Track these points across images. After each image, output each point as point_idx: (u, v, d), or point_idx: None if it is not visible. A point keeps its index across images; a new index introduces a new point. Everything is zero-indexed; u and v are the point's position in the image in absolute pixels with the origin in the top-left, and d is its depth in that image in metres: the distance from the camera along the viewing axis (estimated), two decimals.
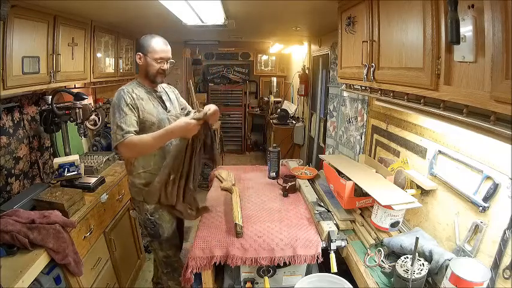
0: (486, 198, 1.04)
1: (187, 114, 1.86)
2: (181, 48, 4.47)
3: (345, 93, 2.45)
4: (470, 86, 0.79)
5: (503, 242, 0.96)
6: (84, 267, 1.61)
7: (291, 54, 5.41)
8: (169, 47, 1.67)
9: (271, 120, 4.83)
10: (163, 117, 1.67)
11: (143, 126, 1.59)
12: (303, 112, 4.47)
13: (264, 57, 6.00)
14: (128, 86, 1.63)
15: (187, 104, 1.96)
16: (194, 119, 1.49)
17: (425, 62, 0.96)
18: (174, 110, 1.78)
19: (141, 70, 1.68)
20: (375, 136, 1.96)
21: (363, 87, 1.52)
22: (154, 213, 1.70)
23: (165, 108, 1.72)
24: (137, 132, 1.52)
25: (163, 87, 1.80)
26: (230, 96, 6.01)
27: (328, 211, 1.62)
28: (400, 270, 1.07)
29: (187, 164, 1.61)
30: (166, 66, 1.66)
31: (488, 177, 1.05)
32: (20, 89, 1.61)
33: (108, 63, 2.71)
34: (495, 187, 1.01)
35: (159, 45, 1.61)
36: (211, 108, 1.56)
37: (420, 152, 1.45)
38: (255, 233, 1.48)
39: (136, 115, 1.56)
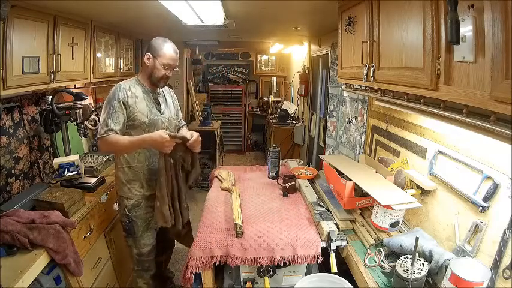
0: (486, 198, 1.04)
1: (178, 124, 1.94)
2: (181, 48, 4.47)
3: (345, 93, 2.45)
4: (470, 86, 0.79)
5: (503, 242, 0.96)
6: (84, 267, 1.61)
7: (291, 54, 5.41)
8: (178, 56, 1.71)
9: (271, 120, 4.83)
10: (155, 118, 1.69)
11: (133, 124, 1.64)
12: (303, 112, 4.47)
13: (264, 57, 6.00)
14: (127, 82, 1.67)
15: (181, 115, 1.98)
16: (170, 135, 1.55)
17: (425, 62, 0.95)
18: (168, 113, 1.80)
19: (145, 70, 1.70)
20: (375, 136, 1.96)
21: (363, 87, 1.52)
22: (132, 210, 1.74)
23: (159, 110, 1.74)
24: (121, 131, 1.59)
25: (162, 90, 1.83)
26: (230, 96, 6.01)
27: (328, 211, 1.62)
28: (400, 270, 1.07)
29: (174, 184, 1.69)
30: (171, 73, 1.70)
31: (488, 177, 1.05)
32: (20, 89, 1.61)
33: (108, 63, 2.71)
34: (495, 187, 1.01)
35: (170, 52, 1.66)
36: (193, 135, 1.66)
37: (420, 152, 1.45)
38: (255, 233, 1.48)
39: (125, 113, 1.60)
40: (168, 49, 1.65)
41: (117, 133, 1.56)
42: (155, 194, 1.70)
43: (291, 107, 4.95)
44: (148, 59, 1.67)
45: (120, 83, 1.66)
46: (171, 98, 1.90)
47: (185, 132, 1.83)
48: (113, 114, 1.56)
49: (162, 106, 1.77)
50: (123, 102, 1.59)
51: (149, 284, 1.92)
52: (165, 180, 1.64)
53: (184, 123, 2.02)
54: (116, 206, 1.86)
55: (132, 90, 1.64)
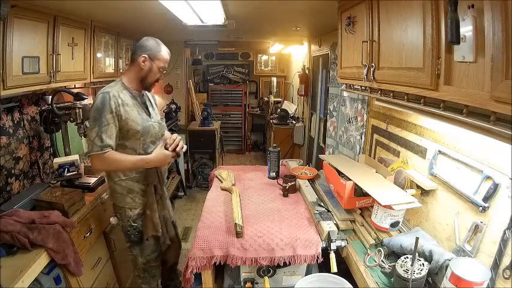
0: (486, 198, 1.04)
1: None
2: (181, 48, 4.47)
3: (345, 93, 2.45)
4: (470, 86, 0.79)
5: (503, 242, 0.96)
6: (84, 267, 1.61)
7: (291, 54, 5.41)
8: None
9: (271, 120, 4.83)
10: (147, 124, 1.60)
11: (126, 134, 1.54)
12: (303, 112, 4.47)
13: (264, 57, 6.00)
14: (113, 88, 1.52)
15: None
16: (172, 155, 1.62)
17: (425, 62, 0.96)
18: (156, 116, 1.74)
19: (136, 73, 1.58)
20: (375, 136, 1.96)
21: (363, 87, 1.52)
22: (137, 220, 1.66)
23: (149, 115, 1.66)
24: (115, 145, 1.50)
25: (145, 92, 1.72)
26: (230, 96, 6.01)
27: (328, 211, 1.62)
28: (400, 270, 1.07)
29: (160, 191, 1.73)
30: (162, 76, 1.65)
31: (488, 177, 1.05)
32: (20, 89, 1.61)
33: (108, 63, 2.71)
34: (495, 187, 1.01)
35: (166, 55, 1.60)
36: (175, 138, 1.66)
37: (420, 152, 1.45)
38: (255, 233, 1.48)
39: (118, 125, 1.49)
40: (165, 52, 1.60)
41: (113, 148, 1.47)
42: (157, 199, 1.68)
43: (291, 107, 4.94)
44: (144, 61, 1.54)
45: (107, 89, 1.50)
46: (153, 98, 1.81)
47: (167, 135, 1.81)
48: (106, 127, 1.44)
49: (150, 110, 1.69)
50: (115, 113, 1.46)
51: None
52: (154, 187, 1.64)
53: (163, 123, 1.89)
54: (114, 220, 1.72)
55: (121, 97, 1.51)
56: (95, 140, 1.43)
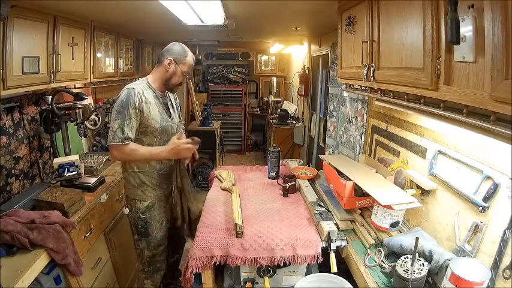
0: (486, 198, 1.04)
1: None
2: None
3: (345, 93, 2.45)
4: (470, 86, 0.79)
5: (503, 242, 0.96)
6: (84, 267, 1.61)
7: (291, 54, 5.42)
8: None
9: (271, 120, 4.83)
10: (167, 124, 1.69)
11: (145, 130, 1.63)
12: (303, 112, 4.47)
13: (264, 57, 6.01)
14: (138, 85, 1.61)
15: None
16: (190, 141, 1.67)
17: (425, 62, 0.96)
18: (176, 118, 1.83)
19: (161, 74, 1.67)
20: (375, 136, 1.96)
21: (363, 87, 1.52)
22: (146, 212, 1.74)
23: (169, 115, 1.75)
24: (133, 140, 1.59)
25: (168, 94, 1.81)
26: (230, 96, 6.01)
27: (328, 211, 1.62)
28: (400, 270, 1.07)
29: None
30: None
31: (488, 177, 1.05)
32: (20, 89, 1.61)
33: (108, 63, 2.71)
34: (495, 187, 1.01)
35: (191, 61, 1.70)
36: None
37: (420, 152, 1.45)
38: (255, 233, 1.48)
39: (139, 120, 1.58)
40: (190, 57, 1.69)
41: (132, 141, 1.56)
42: (167, 194, 1.79)
43: (291, 107, 4.95)
44: (169, 64, 1.64)
45: (132, 85, 1.60)
46: (175, 100, 1.90)
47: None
48: (129, 120, 1.53)
49: (171, 111, 1.78)
50: (138, 109, 1.55)
51: (157, 286, 1.90)
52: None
53: (181, 125, 2.01)
54: (126, 210, 1.83)
55: (145, 95, 1.60)
56: (116, 131, 1.52)
